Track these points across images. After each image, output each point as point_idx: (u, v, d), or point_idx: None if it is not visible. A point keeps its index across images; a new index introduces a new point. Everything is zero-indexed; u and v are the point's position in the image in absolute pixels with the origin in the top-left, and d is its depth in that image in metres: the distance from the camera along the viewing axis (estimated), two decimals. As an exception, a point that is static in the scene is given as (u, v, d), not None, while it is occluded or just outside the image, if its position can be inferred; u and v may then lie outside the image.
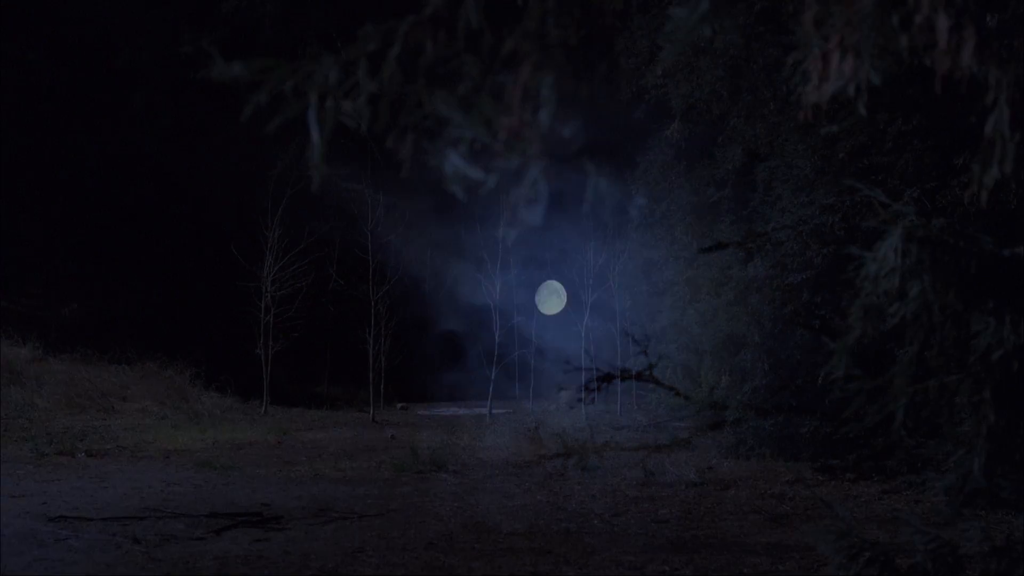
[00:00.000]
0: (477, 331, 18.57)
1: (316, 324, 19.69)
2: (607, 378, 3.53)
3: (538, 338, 18.45)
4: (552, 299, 18.59)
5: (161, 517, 7.83)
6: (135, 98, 20.14)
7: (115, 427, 13.55)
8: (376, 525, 7.75)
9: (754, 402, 10.87)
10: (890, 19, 2.11)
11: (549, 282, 18.49)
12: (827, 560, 6.69)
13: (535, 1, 1.81)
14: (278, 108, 2.07)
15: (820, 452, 10.50)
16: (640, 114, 15.92)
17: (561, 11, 1.80)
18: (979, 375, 3.07)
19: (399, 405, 19.67)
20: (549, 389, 19.84)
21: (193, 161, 20.68)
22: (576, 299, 17.65)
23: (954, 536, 4.40)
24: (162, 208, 20.79)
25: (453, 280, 20.51)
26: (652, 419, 16.32)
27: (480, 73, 1.89)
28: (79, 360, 17.00)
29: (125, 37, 20.32)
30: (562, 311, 18.17)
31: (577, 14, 1.80)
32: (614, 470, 10.97)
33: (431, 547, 6.99)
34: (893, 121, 9.19)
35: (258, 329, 17.46)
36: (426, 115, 1.94)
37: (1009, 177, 2.35)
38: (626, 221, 17.52)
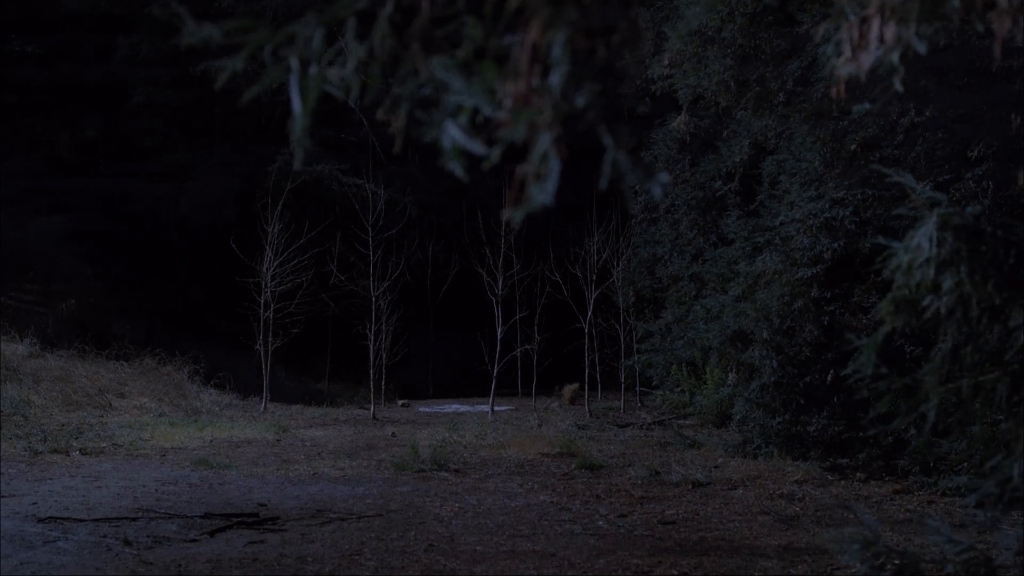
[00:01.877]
0: (479, 326, 18.37)
1: (316, 320, 19.49)
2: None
3: (541, 334, 18.24)
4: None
5: (154, 518, 7.63)
6: (135, 91, 19.94)
7: (111, 424, 13.35)
8: (375, 526, 7.55)
9: (762, 400, 10.67)
10: (939, -22, 1.90)
11: None
12: (840, 564, 6.50)
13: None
14: (257, 77, 1.86)
15: (829, 451, 10.28)
16: (645, 107, 15.72)
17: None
18: (1018, 373, 2.86)
19: (400, 402, 19.47)
20: (552, 386, 19.63)
21: (193, 155, 20.49)
22: (579, 295, 17.43)
23: (977, 542, 4.18)
24: (161, 203, 20.60)
25: (455, 274, 20.31)
26: (656, 417, 16.11)
27: (482, 35, 1.68)
28: (76, 356, 16.81)
29: (125, 29, 20.11)
30: (565, 307, 17.96)
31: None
32: (618, 469, 10.77)
33: (431, 549, 6.80)
34: (905, 113, 8.98)
35: (257, 325, 17.26)
36: (422, 83, 1.72)
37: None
38: (630, 215, 17.36)
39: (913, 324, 2.84)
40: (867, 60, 2.16)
